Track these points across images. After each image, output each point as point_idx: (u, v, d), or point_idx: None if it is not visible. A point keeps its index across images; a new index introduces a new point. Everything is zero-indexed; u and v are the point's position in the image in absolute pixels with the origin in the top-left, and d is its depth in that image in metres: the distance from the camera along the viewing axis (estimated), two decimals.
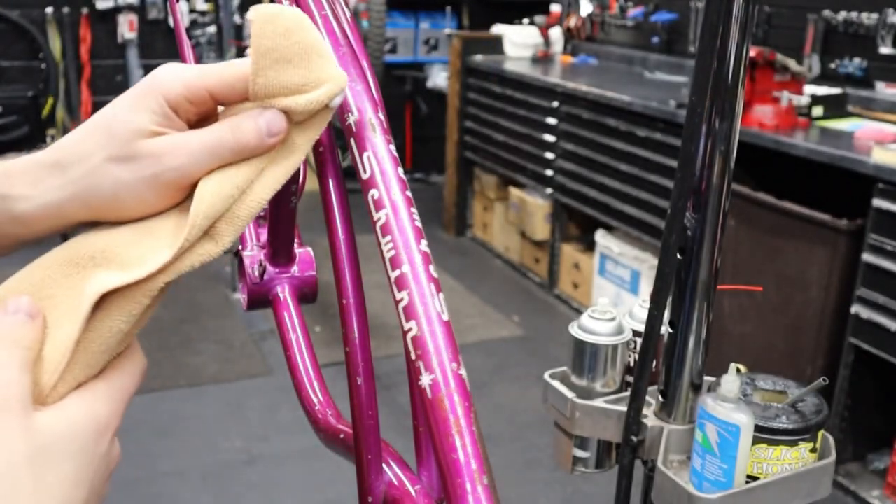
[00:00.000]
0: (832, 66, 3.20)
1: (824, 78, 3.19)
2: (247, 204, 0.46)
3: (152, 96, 0.46)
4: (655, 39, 4.14)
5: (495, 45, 4.56)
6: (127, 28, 4.97)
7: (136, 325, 0.46)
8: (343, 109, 0.53)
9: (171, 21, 4.92)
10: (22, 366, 0.41)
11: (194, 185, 0.46)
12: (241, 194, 0.46)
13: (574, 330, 1.00)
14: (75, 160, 0.46)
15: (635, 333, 1.01)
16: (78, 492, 0.42)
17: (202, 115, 0.48)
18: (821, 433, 0.94)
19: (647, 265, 3.36)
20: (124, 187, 0.45)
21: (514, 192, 4.25)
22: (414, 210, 0.50)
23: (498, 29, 4.64)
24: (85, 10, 4.89)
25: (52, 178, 0.46)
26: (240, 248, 0.98)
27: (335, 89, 0.47)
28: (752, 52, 2.58)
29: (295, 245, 0.97)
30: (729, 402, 0.89)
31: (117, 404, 0.45)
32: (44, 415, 0.42)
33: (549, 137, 3.84)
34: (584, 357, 0.99)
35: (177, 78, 0.46)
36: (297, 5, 0.65)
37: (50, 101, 4.87)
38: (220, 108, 0.48)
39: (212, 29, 5.00)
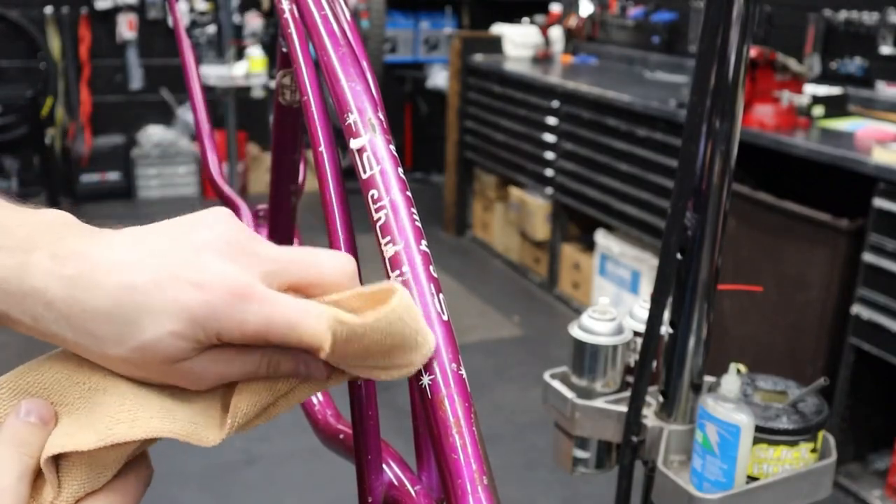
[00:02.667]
0: (833, 65, 3.20)
1: (825, 78, 3.19)
2: (281, 406, 0.44)
3: (203, 332, 0.39)
4: (655, 39, 4.14)
5: (495, 44, 4.56)
6: (126, 28, 4.98)
7: (144, 444, 0.43)
8: (343, 109, 0.53)
9: (170, 21, 4.92)
10: (21, 475, 0.38)
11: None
12: (278, 398, 0.44)
13: (574, 330, 1.00)
14: (89, 336, 0.39)
15: (636, 333, 1.01)
16: None
17: None
18: (821, 433, 0.94)
19: (647, 265, 3.35)
20: (142, 379, 0.42)
21: (514, 192, 4.25)
22: (414, 210, 0.50)
23: (498, 29, 4.64)
24: (84, 10, 4.89)
25: (58, 327, 0.39)
26: None
27: (408, 372, 0.44)
28: (753, 52, 2.58)
29: (295, 245, 0.97)
30: (729, 403, 0.89)
31: None
32: None
33: (550, 137, 3.84)
34: (584, 357, 0.99)
35: (238, 327, 0.39)
36: (297, 5, 0.65)
37: (49, 100, 4.87)
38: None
39: (212, 29, 5.00)
